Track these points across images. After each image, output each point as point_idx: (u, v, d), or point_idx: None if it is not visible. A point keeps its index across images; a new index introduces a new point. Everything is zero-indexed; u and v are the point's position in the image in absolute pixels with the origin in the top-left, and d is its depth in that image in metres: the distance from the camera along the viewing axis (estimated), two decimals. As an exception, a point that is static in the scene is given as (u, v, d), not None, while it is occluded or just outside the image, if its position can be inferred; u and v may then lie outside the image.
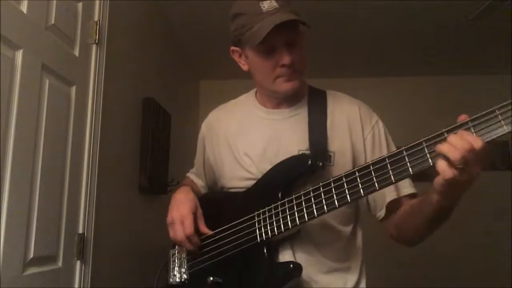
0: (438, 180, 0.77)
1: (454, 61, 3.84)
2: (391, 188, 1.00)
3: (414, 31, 3.24)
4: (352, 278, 1.06)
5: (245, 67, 1.12)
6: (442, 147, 0.73)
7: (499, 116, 0.72)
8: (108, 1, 1.93)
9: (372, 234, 1.22)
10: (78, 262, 1.66)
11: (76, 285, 1.63)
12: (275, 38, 0.98)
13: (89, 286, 1.70)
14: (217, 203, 1.17)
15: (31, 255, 1.35)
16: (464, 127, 0.74)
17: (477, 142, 0.71)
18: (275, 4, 0.98)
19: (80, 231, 1.67)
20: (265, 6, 0.98)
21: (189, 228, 1.06)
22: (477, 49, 3.55)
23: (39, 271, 1.39)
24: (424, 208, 0.89)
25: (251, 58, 1.07)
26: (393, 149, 1.08)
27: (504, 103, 0.72)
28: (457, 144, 0.72)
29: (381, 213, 1.05)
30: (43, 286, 1.41)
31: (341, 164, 1.03)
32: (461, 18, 2.93)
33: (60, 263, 1.54)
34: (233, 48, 1.12)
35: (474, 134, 0.73)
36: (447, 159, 0.73)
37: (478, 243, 3.75)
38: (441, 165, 0.74)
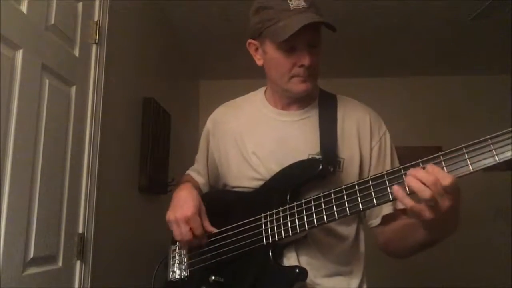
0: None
1: (454, 61, 3.84)
2: None
3: (414, 31, 3.24)
4: (354, 282, 1.05)
5: (259, 62, 1.10)
6: (411, 182, 0.76)
7: (491, 146, 0.74)
8: (108, 1, 1.92)
9: (371, 235, 1.22)
10: (78, 262, 1.66)
11: (76, 285, 1.63)
12: (299, 37, 0.97)
13: (89, 286, 1.70)
14: (223, 202, 1.15)
15: (31, 255, 1.35)
16: (435, 161, 0.77)
17: (445, 178, 0.73)
18: (303, 3, 0.98)
19: (80, 231, 1.67)
20: (293, 4, 0.97)
21: (198, 229, 1.04)
22: (477, 49, 3.55)
23: (39, 271, 1.39)
24: (414, 234, 0.90)
25: (269, 53, 1.05)
26: (396, 162, 1.10)
27: (496, 134, 0.74)
28: (425, 180, 0.74)
29: (374, 222, 1.06)
30: (43, 286, 1.40)
31: (349, 170, 1.03)
32: (461, 18, 2.93)
33: (60, 263, 1.54)
34: (250, 41, 1.10)
35: (445, 168, 0.76)
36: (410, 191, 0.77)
37: (478, 243, 3.75)
38: (411, 204, 0.77)
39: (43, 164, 1.41)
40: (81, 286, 1.65)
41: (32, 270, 1.35)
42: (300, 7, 0.97)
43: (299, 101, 1.11)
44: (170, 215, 1.07)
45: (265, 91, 1.19)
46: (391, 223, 1.04)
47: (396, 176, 0.82)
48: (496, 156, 0.73)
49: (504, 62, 3.54)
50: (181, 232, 1.04)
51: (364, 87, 4.00)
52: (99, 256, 1.79)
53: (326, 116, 1.09)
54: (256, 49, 1.09)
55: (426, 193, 0.74)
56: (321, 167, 0.98)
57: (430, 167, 0.75)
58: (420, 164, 0.79)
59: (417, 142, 3.69)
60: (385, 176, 0.84)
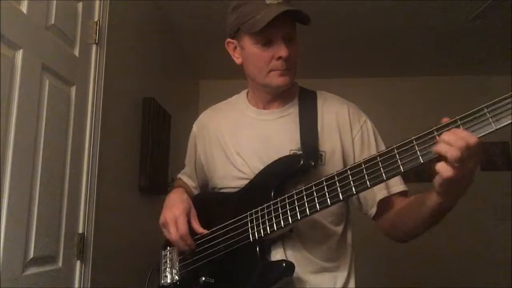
0: (437, 181, 0.78)
1: (454, 61, 3.84)
2: (381, 186, 1.01)
3: (414, 31, 3.24)
4: (341, 278, 1.06)
5: (238, 60, 1.12)
6: (440, 147, 0.74)
7: (487, 114, 0.74)
8: (108, 1, 1.93)
9: (362, 233, 1.22)
10: (78, 262, 1.66)
11: (76, 285, 1.64)
12: (274, 30, 1.00)
13: (89, 286, 1.70)
14: (210, 204, 1.17)
15: (31, 255, 1.35)
16: (453, 125, 0.76)
17: (471, 138, 0.72)
18: None
19: (80, 231, 1.68)
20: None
21: (182, 228, 1.05)
22: (477, 49, 3.55)
23: (39, 271, 1.39)
24: (422, 209, 0.90)
25: (247, 49, 1.07)
26: (382, 147, 1.09)
27: (492, 101, 0.74)
28: (454, 142, 0.73)
29: (372, 211, 1.06)
30: (43, 286, 1.41)
31: (332, 163, 1.05)
32: (461, 18, 2.93)
33: (60, 263, 1.54)
34: (229, 40, 1.12)
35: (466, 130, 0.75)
36: (445, 158, 0.74)
37: (478, 243, 3.76)
38: (441, 165, 0.75)
39: (43, 164, 1.41)
40: (81, 286, 1.65)
41: (32, 270, 1.35)
42: (275, 2, 1.00)
43: (280, 99, 1.13)
44: (161, 217, 1.11)
45: (247, 93, 1.22)
46: (392, 207, 1.04)
47: (389, 156, 0.82)
48: None
49: (504, 62, 3.54)
50: (168, 232, 1.08)
51: (363, 87, 4.01)
52: (99, 256, 1.79)
53: (306, 111, 1.10)
54: (235, 48, 1.12)
55: (455, 153, 0.72)
56: (301, 161, 0.99)
57: (454, 131, 0.74)
58: (435, 132, 0.77)
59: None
60: (378, 157, 0.84)
